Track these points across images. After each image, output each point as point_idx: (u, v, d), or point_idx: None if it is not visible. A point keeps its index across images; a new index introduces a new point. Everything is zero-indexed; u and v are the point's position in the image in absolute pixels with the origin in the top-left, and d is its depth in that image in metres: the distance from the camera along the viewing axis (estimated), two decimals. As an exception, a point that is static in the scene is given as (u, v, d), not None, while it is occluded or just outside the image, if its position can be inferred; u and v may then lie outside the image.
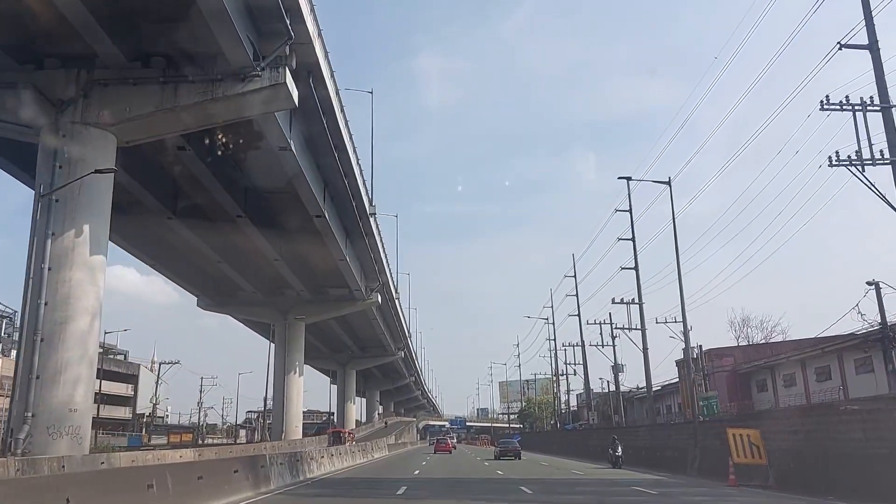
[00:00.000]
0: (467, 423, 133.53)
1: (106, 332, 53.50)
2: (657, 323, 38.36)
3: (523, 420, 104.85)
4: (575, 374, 66.29)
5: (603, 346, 52.18)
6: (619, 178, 26.12)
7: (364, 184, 35.24)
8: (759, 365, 35.17)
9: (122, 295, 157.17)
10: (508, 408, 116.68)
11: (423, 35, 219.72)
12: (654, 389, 59.57)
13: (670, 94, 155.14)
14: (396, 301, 59.77)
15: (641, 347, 41.08)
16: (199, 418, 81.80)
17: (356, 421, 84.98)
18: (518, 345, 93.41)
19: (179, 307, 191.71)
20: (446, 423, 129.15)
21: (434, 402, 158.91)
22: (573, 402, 75.84)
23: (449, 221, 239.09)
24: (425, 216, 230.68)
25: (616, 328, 43.20)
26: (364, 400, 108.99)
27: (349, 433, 57.48)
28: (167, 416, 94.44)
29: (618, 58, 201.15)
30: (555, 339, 66.88)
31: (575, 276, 59.06)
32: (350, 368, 77.43)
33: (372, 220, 38.52)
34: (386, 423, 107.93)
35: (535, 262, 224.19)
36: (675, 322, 38.26)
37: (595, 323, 52.13)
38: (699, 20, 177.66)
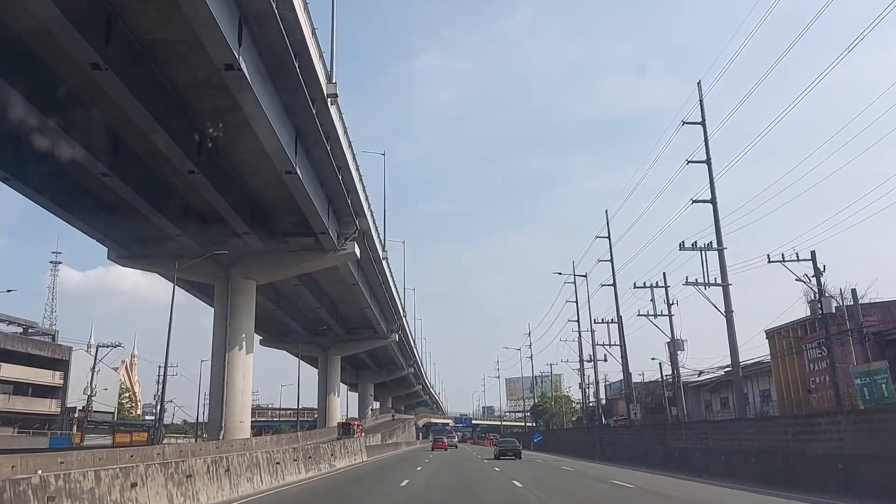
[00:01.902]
0: (473, 422, 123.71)
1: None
2: (769, 262, 25.43)
3: (537, 417, 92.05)
4: (605, 360, 53.17)
5: (655, 315, 39.60)
6: None
7: (314, 36, 22.32)
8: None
9: (124, 295, 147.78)
10: (524, 404, 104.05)
11: (424, 35, 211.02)
12: (714, 376, 46.57)
13: (672, 92, 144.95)
14: (384, 262, 46.83)
15: (724, 309, 28.55)
16: (156, 413, 69.19)
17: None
18: (529, 334, 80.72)
19: (183, 307, 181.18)
20: (450, 421, 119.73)
21: (437, 399, 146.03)
22: (601, 393, 62.51)
23: (450, 221, 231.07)
24: (425, 216, 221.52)
25: (686, 283, 30.01)
26: (357, 395, 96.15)
27: (358, 425, 53.54)
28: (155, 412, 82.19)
29: (621, 56, 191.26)
30: (579, 320, 54.00)
31: (609, 237, 46.55)
32: (334, 354, 64.52)
33: (334, 110, 25.61)
34: (393, 416, 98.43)
35: (538, 261, 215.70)
36: (798, 261, 25.38)
37: (644, 286, 39.47)
38: (703, 18, 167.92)
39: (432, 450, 51.77)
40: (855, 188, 76.22)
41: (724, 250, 29.26)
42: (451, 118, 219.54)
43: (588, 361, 54.88)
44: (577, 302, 55.23)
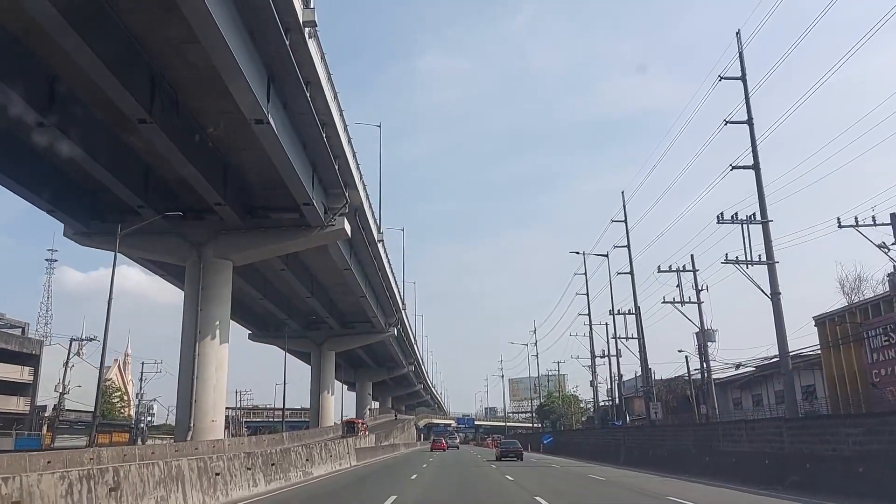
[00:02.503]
0: (476, 423, 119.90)
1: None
2: (840, 227, 21.18)
3: (543, 417, 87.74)
4: (621, 356, 48.92)
5: (682, 303, 35.51)
6: None
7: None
8: None
9: (126, 295, 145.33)
10: (531, 405, 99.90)
11: (425, 35, 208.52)
12: (750, 371, 41.86)
13: (673, 91, 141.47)
14: (380, 245, 42.56)
15: (769, 291, 24.28)
16: (137, 412, 65.21)
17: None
18: (535, 331, 76.62)
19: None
20: (452, 422, 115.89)
21: (439, 399, 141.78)
22: (616, 391, 58.15)
23: (450, 221, 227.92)
24: (425, 216, 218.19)
25: (726, 261, 25.68)
26: (354, 394, 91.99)
27: (362, 424, 53.68)
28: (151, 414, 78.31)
29: (621, 56, 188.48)
30: (590, 312, 49.82)
31: (626, 221, 42.59)
32: (328, 349, 60.28)
33: (313, 46, 21.34)
34: (396, 416, 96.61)
35: (539, 260, 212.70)
36: (875, 225, 21.10)
37: (670, 271, 35.48)
38: (704, 18, 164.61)
39: (431, 450, 52.27)
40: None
41: (770, 223, 25.24)
42: (451, 118, 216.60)
43: (601, 357, 50.77)
44: (587, 294, 51.11)
